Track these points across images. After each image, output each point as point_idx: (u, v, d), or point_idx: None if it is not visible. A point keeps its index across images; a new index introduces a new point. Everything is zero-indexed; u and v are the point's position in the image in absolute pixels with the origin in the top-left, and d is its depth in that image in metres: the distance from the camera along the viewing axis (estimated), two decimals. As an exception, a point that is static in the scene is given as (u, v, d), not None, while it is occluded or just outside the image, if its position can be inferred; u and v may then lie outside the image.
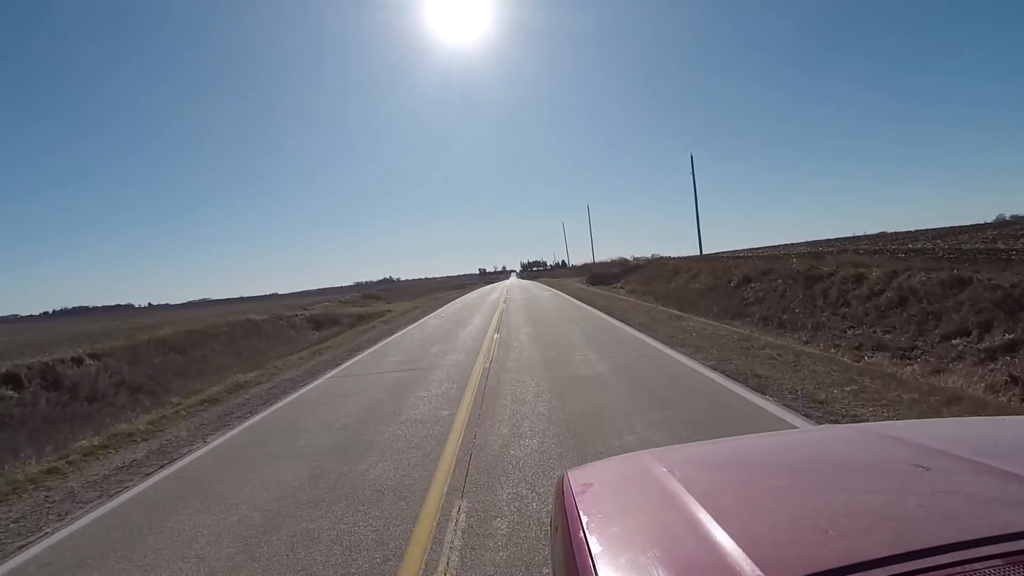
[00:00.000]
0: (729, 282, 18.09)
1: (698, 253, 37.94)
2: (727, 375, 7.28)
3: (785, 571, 0.76)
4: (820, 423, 4.87)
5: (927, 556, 0.75)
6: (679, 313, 15.84)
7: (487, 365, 9.74)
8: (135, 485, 5.34)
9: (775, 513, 0.99)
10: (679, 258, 34.27)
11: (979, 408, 5.25)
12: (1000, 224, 29.59)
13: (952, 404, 5.37)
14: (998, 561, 0.73)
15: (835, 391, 6.06)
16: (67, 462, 6.22)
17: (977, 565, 0.72)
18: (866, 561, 0.75)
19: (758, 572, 0.76)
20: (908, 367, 7.88)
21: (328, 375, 10.70)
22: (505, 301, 28.64)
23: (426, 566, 3.19)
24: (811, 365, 7.51)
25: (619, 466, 1.44)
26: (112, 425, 7.80)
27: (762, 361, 7.97)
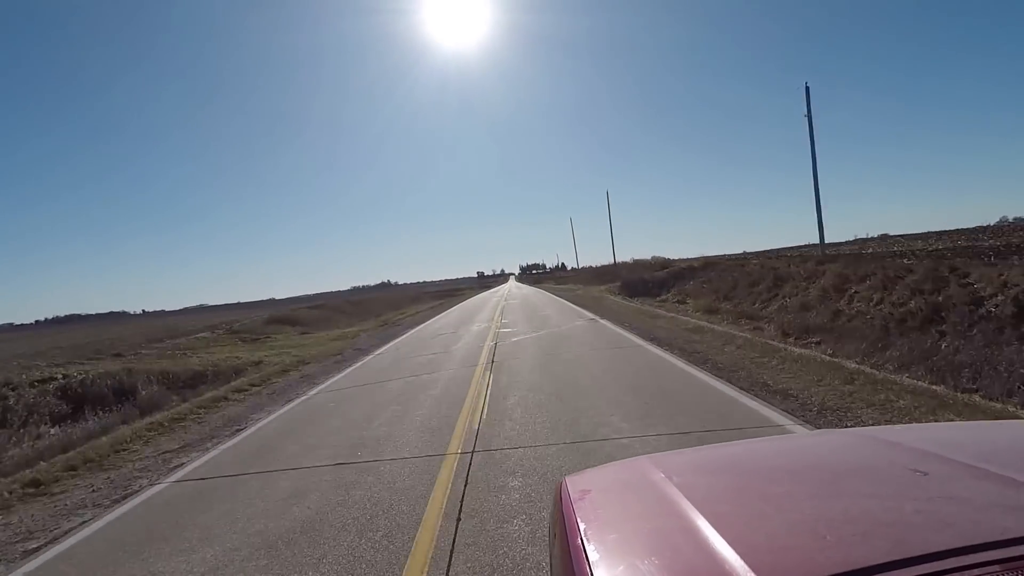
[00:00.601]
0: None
1: (762, 249, 30.64)
2: None
3: None
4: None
5: (925, 562, 0.74)
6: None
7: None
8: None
9: (773, 519, 0.99)
10: (758, 256, 26.35)
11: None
12: (1001, 227, 29.82)
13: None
14: (996, 567, 0.72)
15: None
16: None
17: (976, 571, 0.72)
18: (864, 568, 0.74)
19: None
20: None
21: None
22: (496, 337, 14.07)
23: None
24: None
25: (617, 472, 1.43)
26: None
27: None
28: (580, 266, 77.53)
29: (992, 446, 1.27)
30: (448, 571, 3.10)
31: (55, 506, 5.15)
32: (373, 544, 3.51)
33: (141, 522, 4.47)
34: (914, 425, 1.99)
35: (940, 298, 8.27)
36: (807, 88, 20.67)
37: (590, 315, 17.34)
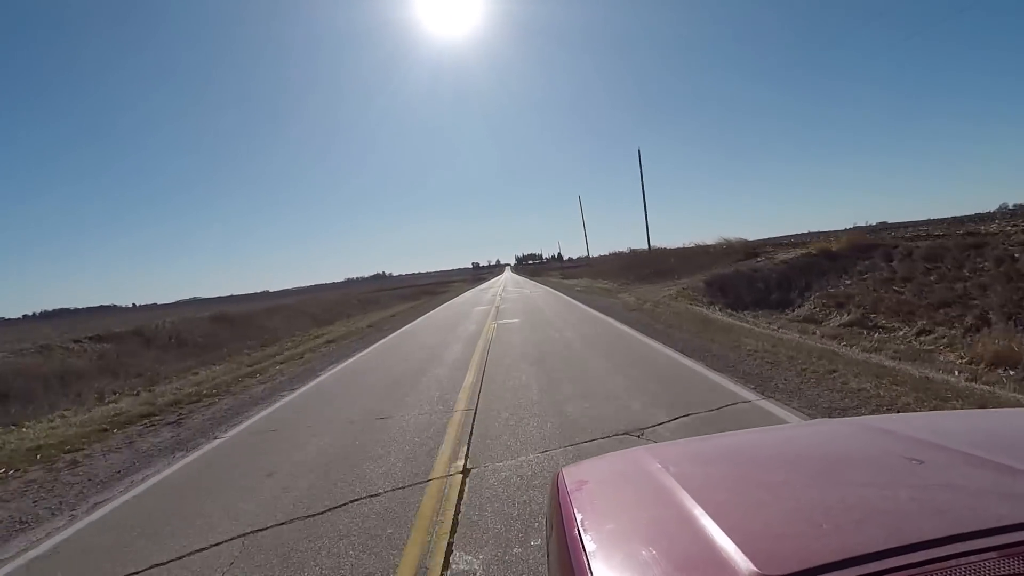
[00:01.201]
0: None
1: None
2: None
3: (779, 566, 0.75)
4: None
5: (921, 549, 0.74)
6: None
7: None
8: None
9: (769, 508, 0.99)
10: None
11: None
12: (1000, 213, 29.87)
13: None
14: (992, 554, 0.72)
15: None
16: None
17: (972, 558, 0.72)
18: (860, 555, 0.75)
19: (752, 567, 0.76)
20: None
21: None
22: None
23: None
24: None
25: (614, 463, 1.43)
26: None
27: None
28: (592, 254, 65.18)
29: (988, 434, 1.28)
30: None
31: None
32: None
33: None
34: (910, 414, 2.00)
35: None
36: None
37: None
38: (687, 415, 5.05)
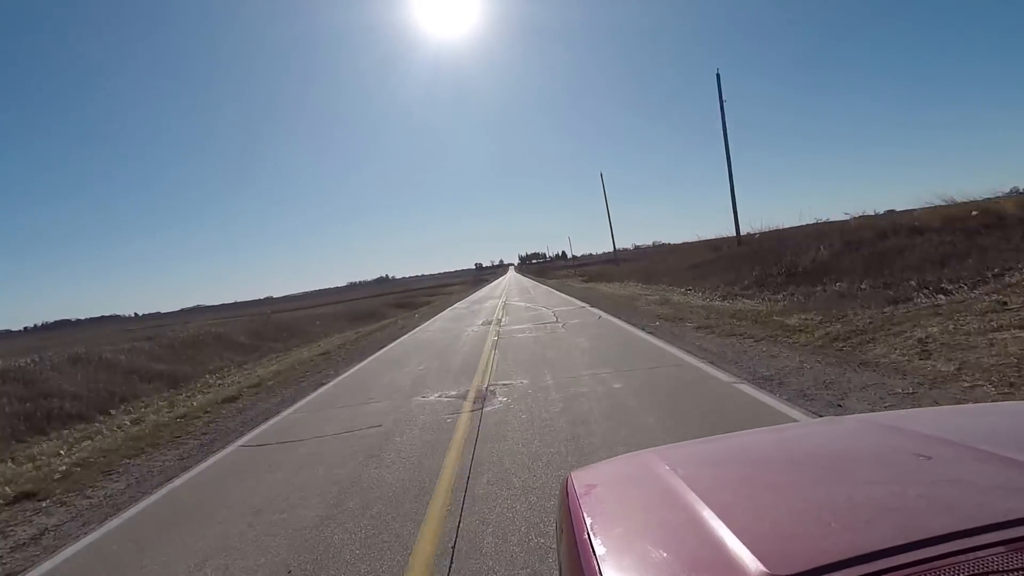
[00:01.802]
0: None
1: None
2: None
3: (788, 565, 0.76)
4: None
5: (929, 545, 0.75)
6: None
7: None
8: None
9: (778, 508, 0.99)
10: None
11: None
12: (1013, 195, 28.73)
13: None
14: (1000, 548, 0.73)
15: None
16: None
17: (980, 553, 0.72)
18: (869, 553, 0.75)
19: (761, 568, 0.76)
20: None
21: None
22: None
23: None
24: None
25: (622, 466, 1.44)
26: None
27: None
28: (595, 251, 59.25)
29: (995, 429, 1.28)
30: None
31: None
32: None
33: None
34: (917, 410, 2.00)
35: None
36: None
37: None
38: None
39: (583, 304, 18.57)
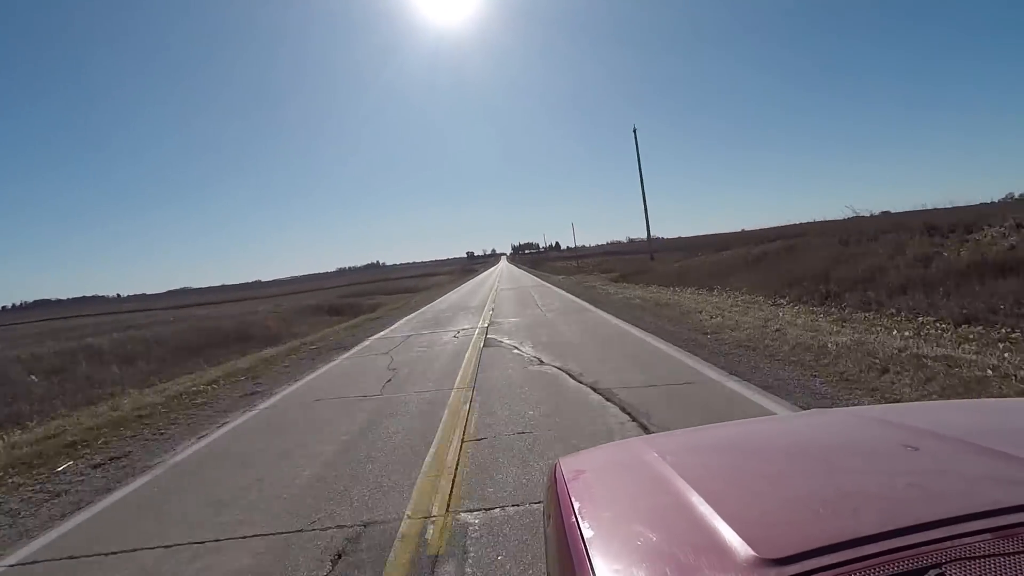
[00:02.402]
0: None
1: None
2: None
3: (777, 549, 0.76)
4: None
5: (917, 532, 0.75)
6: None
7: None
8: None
9: (767, 496, 1.00)
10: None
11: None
12: (1005, 203, 28.91)
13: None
14: (987, 535, 0.74)
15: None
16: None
17: (966, 540, 0.73)
18: (856, 538, 0.76)
19: (750, 551, 0.76)
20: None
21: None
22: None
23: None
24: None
25: (611, 453, 1.44)
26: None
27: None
28: (588, 244, 51.14)
29: (983, 423, 1.30)
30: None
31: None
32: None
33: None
34: (904, 404, 2.03)
35: None
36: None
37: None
38: None
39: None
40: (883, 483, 0.98)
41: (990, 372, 5.13)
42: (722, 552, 0.79)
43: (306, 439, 5.37)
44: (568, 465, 1.29)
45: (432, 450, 4.67)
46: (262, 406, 7.15)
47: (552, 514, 1.15)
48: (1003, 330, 6.95)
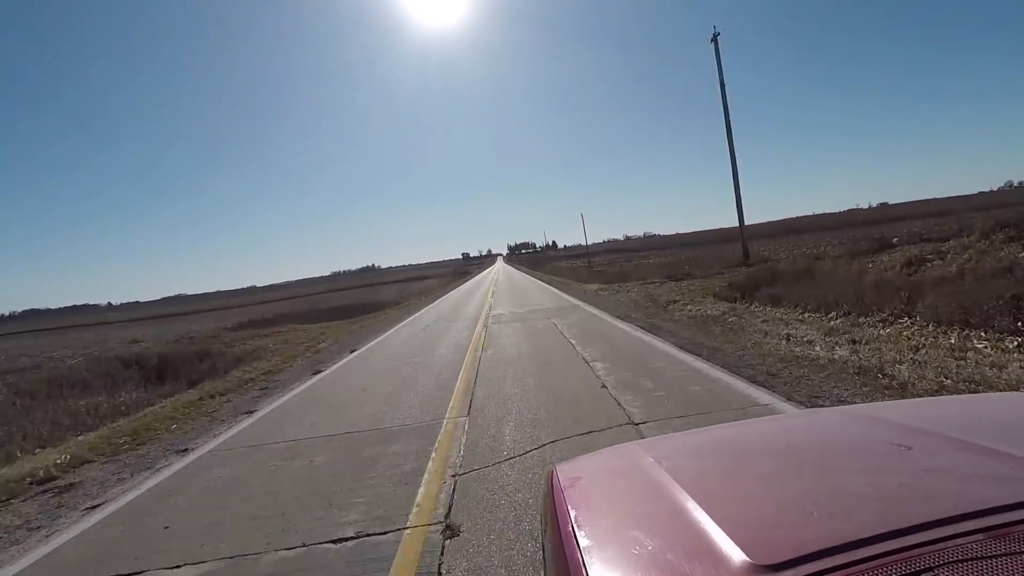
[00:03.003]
0: None
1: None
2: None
3: (771, 555, 0.76)
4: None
5: (910, 533, 0.76)
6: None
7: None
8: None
9: (761, 498, 1.00)
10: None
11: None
12: (1006, 190, 28.31)
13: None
14: (980, 536, 0.74)
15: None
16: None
17: (959, 540, 0.73)
18: (850, 541, 0.76)
19: (745, 558, 0.77)
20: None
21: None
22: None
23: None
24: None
25: (607, 459, 1.44)
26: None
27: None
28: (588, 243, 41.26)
29: (975, 419, 1.30)
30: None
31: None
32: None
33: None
34: (896, 401, 2.04)
35: None
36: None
37: None
38: None
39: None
40: (876, 484, 0.99)
41: None
42: (717, 559, 0.79)
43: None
44: (564, 472, 1.29)
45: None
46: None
47: (549, 522, 1.15)
48: None
